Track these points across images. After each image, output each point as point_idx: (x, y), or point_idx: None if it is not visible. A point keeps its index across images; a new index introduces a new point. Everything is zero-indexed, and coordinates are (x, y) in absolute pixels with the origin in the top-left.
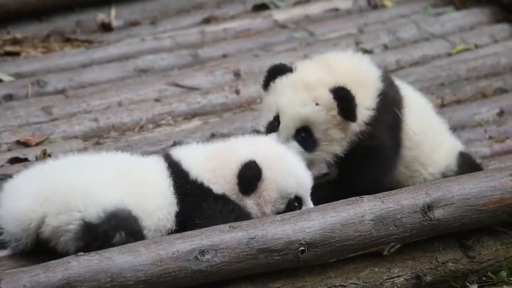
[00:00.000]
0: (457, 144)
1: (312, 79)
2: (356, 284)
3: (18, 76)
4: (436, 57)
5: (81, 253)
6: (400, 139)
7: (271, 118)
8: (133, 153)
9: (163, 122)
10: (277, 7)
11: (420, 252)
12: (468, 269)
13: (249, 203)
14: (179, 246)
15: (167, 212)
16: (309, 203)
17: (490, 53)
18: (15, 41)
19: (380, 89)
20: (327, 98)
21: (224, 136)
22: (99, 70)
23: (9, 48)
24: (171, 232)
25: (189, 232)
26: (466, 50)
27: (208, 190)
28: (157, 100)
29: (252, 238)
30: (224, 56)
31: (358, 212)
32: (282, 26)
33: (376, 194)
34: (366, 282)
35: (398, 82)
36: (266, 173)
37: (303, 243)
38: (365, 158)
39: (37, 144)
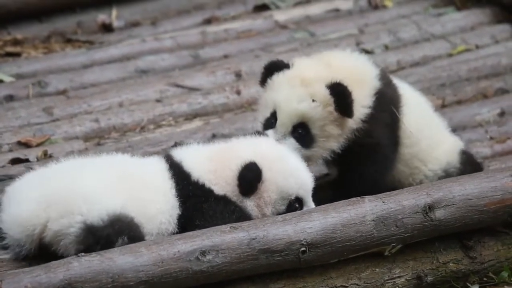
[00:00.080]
0: (457, 142)
1: (309, 75)
2: (357, 284)
3: (19, 76)
4: (437, 58)
5: (82, 253)
6: (398, 137)
7: (268, 114)
8: (134, 154)
9: (164, 122)
10: (277, 7)
11: (421, 253)
12: (469, 269)
13: (249, 204)
14: (180, 246)
15: (169, 215)
16: (310, 204)
17: (491, 54)
18: (15, 42)
19: (377, 87)
20: (324, 94)
21: (225, 136)
22: (100, 70)
23: (10, 49)
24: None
25: (190, 233)
26: (467, 50)
27: (209, 191)
28: (158, 100)
29: (253, 239)
30: (225, 56)
31: (359, 213)
32: (283, 26)
33: (377, 195)
34: (367, 283)
35: (396, 81)
36: (266, 174)
37: (304, 243)
38: (363, 156)
39: (38, 145)
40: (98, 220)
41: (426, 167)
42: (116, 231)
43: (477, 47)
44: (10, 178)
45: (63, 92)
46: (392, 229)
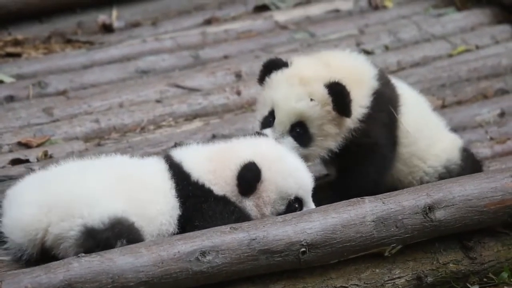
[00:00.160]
0: (457, 139)
1: (307, 74)
2: (357, 285)
3: (19, 77)
4: (437, 58)
5: (82, 254)
6: (396, 137)
7: (266, 113)
8: (134, 155)
9: (164, 123)
10: (278, 8)
11: (421, 253)
12: (469, 270)
13: (248, 204)
14: (180, 247)
15: (169, 216)
16: (310, 204)
17: (491, 54)
18: (16, 42)
19: (375, 87)
20: (322, 93)
21: (225, 137)
22: (100, 71)
23: (10, 49)
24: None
25: (190, 233)
26: (467, 51)
27: (209, 192)
28: (158, 101)
29: (253, 239)
30: (225, 57)
31: (359, 213)
32: (283, 27)
33: (377, 195)
34: (367, 283)
35: (394, 81)
36: (266, 174)
37: (304, 244)
38: (361, 156)
39: (38, 145)
40: (98, 223)
41: (426, 164)
42: (116, 234)
43: (477, 47)
44: (10, 178)
45: (63, 93)
46: (392, 229)
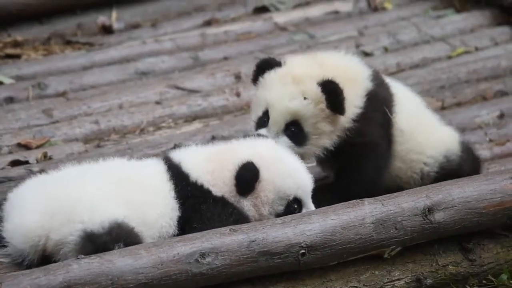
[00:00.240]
0: (455, 133)
1: (300, 73)
2: (356, 287)
3: (19, 78)
4: (437, 60)
5: (82, 256)
6: (392, 136)
7: (260, 113)
8: (133, 156)
9: (163, 124)
10: (277, 9)
11: (420, 255)
12: (468, 272)
13: (246, 204)
14: (179, 249)
15: (169, 218)
16: (310, 206)
17: (491, 56)
18: (16, 44)
19: (369, 88)
20: (315, 91)
21: (225, 138)
22: (100, 72)
23: (10, 51)
24: (173, 236)
25: (190, 235)
26: (467, 52)
27: (208, 192)
28: (157, 102)
29: (253, 241)
30: (225, 58)
31: (358, 215)
32: (283, 28)
33: (377, 197)
34: (367, 285)
35: (388, 80)
36: (264, 174)
37: (304, 246)
38: (358, 156)
39: (38, 147)
40: (98, 227)
41: (425, 155)
42: (114, 238)
43: (477, 49)
44: (10, 180)
45: (63, 94)
46: (392, 231)
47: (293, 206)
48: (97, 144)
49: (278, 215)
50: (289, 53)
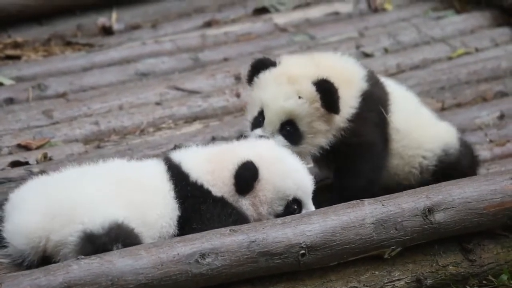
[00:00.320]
0: (453, 128)
1: (295, 72)
2: (357, 287)
3: (19, 79)
4: (437, 61)
5: (82, 256)
6: (388, 134)
7: (255, 113)
8: (133, 157)
9: (164, 125)
10: (277, 10)
11: (420, 256)
12: (468, 272)
13: (245, 203)
14: (179, 249)
15: (169, 218)
16: (310, 207)
17: (491, 57)
18: (16, 45)
19: (364, 88)
20: (310, 90)
21: (225, 139)
22: (100, 73)
23: (10, 52)
24: (173, 236)
25: (190, 236)
26: (467, 53)
27: (208, 192)
28: (158, 103)
29: (253, 242)
30: (225, 59)
31: (358, 216)
32: (283, 29)
33: (377, 198)
34: (367, 286)
35: (383, 80)
36: (263, 173)
37: (304, 246)
38: (355, 156)
39: (38, 148)
40: (98, 228)
41: (422, 148)
42: (112, 239)
43: (477, 50)
44: (10, 180)
45: (63, 95)
46: (392, 232)
47: (292, 207)
48: (97, 145)
49: (278, 215)
50: (289, 54)
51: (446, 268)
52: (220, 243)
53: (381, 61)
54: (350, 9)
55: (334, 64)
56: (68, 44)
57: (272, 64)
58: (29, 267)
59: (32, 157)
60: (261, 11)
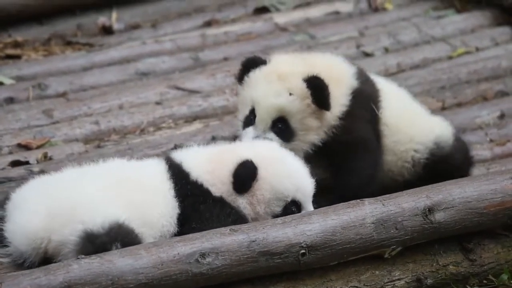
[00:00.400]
0: (446, 122)
1: (285, 70)
2: (357, 287)
3: (19, 79)
4: (437, 60)
5: (82, 256)
6: (379, 131)
7: (247, 112)
8: (134, 156)
9: (164, 125)
10: (277, 10)
11: (421, 255)
12: (469, 272)
13: (242, 202)
14: (180, 249)
15: (170, 217)
16: (310, 209)
17: (491, 56)
18: (16, 44)
19: (355, 86)
20: (301, 87)
21: (225, 139)
22: (100, 73)
23: (10, 51)
24: (174, 235)
25: (190, 235)
26: (467, 53)
27: (207, 192)
28: (158, 103)
29: (253, 241)
30: (225, 59)
31: (359, 215)
32: (283, 29)
33: (377, 197)
34: (367, 285)
35: (373, 77)
36: (262, 173)
37: (304, 246)
38: (346, 154)
39: (38, 147)
40: (98, 228)
41: (413, 141)
42: (111, 238)
43: (477, 49)
44: (10, 180)
45: (63, 95)
46: (392, 231)
47: (291, 208)
48: (97, 144)
49: (276, 216)
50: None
51: (446, 268)
52: (220, 242)
53: (381, 61)
54: (350, 9)
55: (324, 63)
56: (68, 43)
57: (262, 62)
58: (30, 267)
59: (32, 156)
60: (262, 10)
